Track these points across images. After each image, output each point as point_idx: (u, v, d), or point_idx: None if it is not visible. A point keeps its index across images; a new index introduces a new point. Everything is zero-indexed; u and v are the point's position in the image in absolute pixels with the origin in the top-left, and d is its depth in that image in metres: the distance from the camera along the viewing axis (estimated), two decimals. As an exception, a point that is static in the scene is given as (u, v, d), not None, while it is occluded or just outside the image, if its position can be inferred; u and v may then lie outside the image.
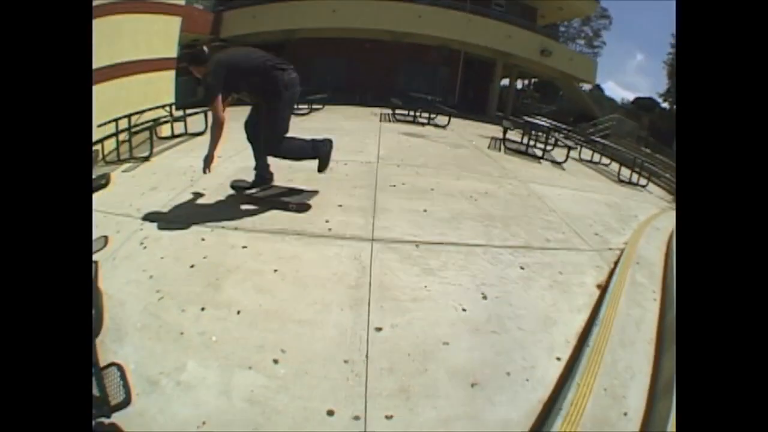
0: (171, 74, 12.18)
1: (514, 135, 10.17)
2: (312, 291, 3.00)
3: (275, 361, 2.38)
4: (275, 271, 3.23)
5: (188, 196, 4.86)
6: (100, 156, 8.06)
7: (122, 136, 8.02)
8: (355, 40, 20.45)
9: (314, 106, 13.23)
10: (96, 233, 4.05)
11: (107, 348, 2.54)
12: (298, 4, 20.20)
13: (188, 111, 9.61)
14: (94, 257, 3.66)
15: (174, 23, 12.40)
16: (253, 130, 4.46)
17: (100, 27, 9.31)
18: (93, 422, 1.99)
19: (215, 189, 5.05)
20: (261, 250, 3.54)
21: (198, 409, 2.10)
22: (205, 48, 4.02)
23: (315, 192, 4.60)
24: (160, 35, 11.66)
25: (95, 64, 9.15)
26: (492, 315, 2.87)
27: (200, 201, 4.70)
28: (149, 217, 4.30)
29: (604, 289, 3.35)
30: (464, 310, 2.90)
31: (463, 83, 21.41)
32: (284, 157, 4.30)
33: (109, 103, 9.24)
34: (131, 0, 10.36)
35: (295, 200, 4.37)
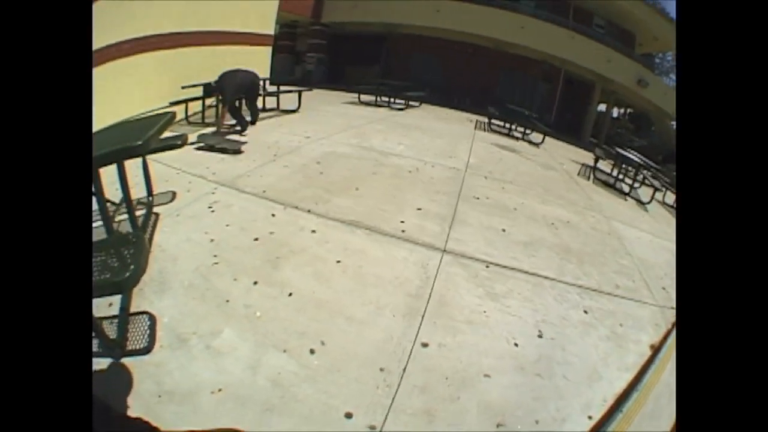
0: (267, 50, 12.53)
1: (604, 165, 9.80)
2: (370, 290, 2.93)
3: (312, 351, 2.34)
4: (338, 262, 3.19)
5: (269, 170, 4.95)
6: (183, 116, 8.39)
7: (210, 101, 8.39)
8: (457, 42, 20.41)
9: (411, 103, 13.38)
10: (165, 187, 4.14)
11: (145, 297, 2.60)
12: (401, -1, 20.48)
13: (282, 88, 9.75)
14: (157, 209, 3.75)
15: (270, 1, 12.74)
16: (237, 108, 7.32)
17: None
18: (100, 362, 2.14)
19: (298, 168, 5.11)
20: (329, 237, 3.53)
21: (218, 376, 2.11)
22: (212, 83, 7.28)
23: (244, 142, 6.08)
24: (255, 11, 12.05)
25: (182, 28, 9.63)
26: (542, 356, 2.69)
27: (280, 177, 4.75)
28: (224, 183, 4.40)
29: (656, 351, 3.09)
30: (516, 344, 2.73)
31: (561, 102, 20.87)
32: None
33: (198, 67, 9.65)
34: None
35: (232, 147, 5.70)
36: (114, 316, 2.46)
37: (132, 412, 1.89)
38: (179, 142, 4.03)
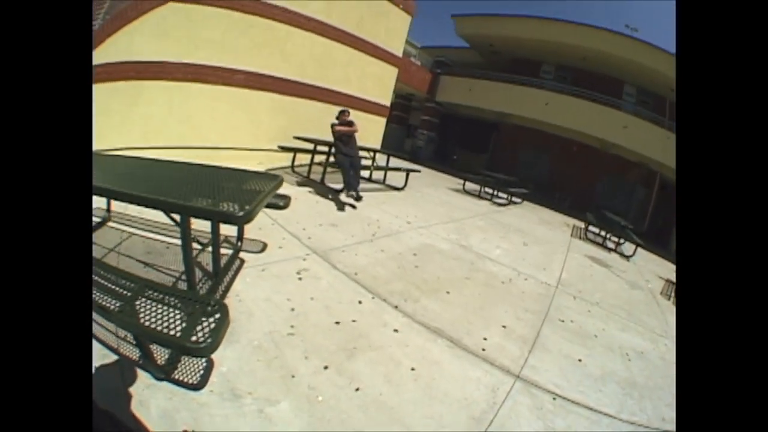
0: (381, 121, 13.09)
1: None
2: (436, 405, 2.90)
3: (358, 451, 2.37)
4: (413, 369, 3.19)
5: (364, 251, 5.11)
6: (290, 163, 8.82)
7: (317, 158, 8.91)
8: (564, 139, 21.35)
9: (514, 200, 13.78)
10: (258, 236, 4.34)
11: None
12: (514, 88, 21.50)
13: (391, 163, 10.14)
14: (244, 254, 3.95)
15: (390, 72, 13.63)
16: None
17: (304, 42, 10.54)
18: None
19: (394, 255, 5.24)
20: (410, 341, 3.55)
21: (259, 440, 2.19)
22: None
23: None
24: (374, 79, 12.84)
25: (301, 78, 10.44)
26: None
27: (374, 261, 4.89)
28: (317, 252, 4.59)
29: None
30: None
31: (655, 208, 20.75)
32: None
33: (311, 120, 10.24)
34: (348, 33, 11.52)
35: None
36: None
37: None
38: (281, 204, 4.22)
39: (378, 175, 10.11)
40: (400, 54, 13.81)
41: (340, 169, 7.43)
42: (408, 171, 10.16)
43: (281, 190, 6.37)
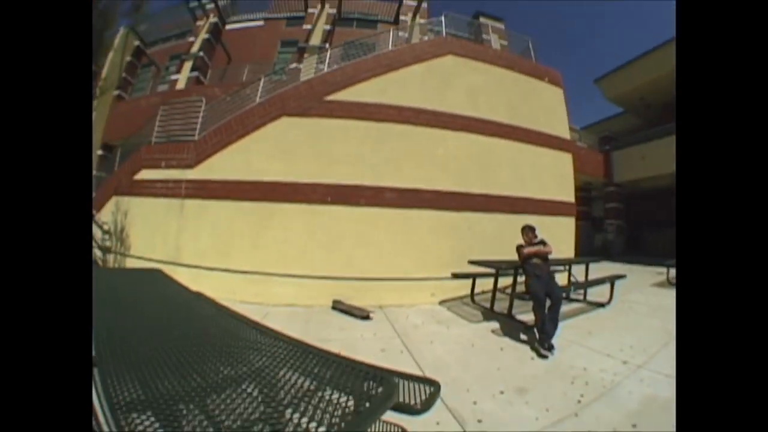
0: (569, 222, 11.54)
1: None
2: None
3: None
4: None
5: None
6: (469, 292, 8.07)
7: (503, 284, 7.88)
8: None
9: None
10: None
11: None
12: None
13: (590, 276, 8.61)
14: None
15: (564, 160, 11.96)
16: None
17: (458, 144, 9.74)
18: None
19: None
20: None
21: None
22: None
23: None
24: (549, 172, 11.31)
25: (466, 188, 9.62)
26: None
27: None
28: None
29: None
30: None
31: None
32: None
33: (487, 238, 9.18)
34: (502, 123, 10.54)
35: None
36: None
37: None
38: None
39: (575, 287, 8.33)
40: (567, 136, 12.49)
41: (532, 301, 5.82)
42: (612, 280, 8.02)
43: (454, 333, 4.82)
